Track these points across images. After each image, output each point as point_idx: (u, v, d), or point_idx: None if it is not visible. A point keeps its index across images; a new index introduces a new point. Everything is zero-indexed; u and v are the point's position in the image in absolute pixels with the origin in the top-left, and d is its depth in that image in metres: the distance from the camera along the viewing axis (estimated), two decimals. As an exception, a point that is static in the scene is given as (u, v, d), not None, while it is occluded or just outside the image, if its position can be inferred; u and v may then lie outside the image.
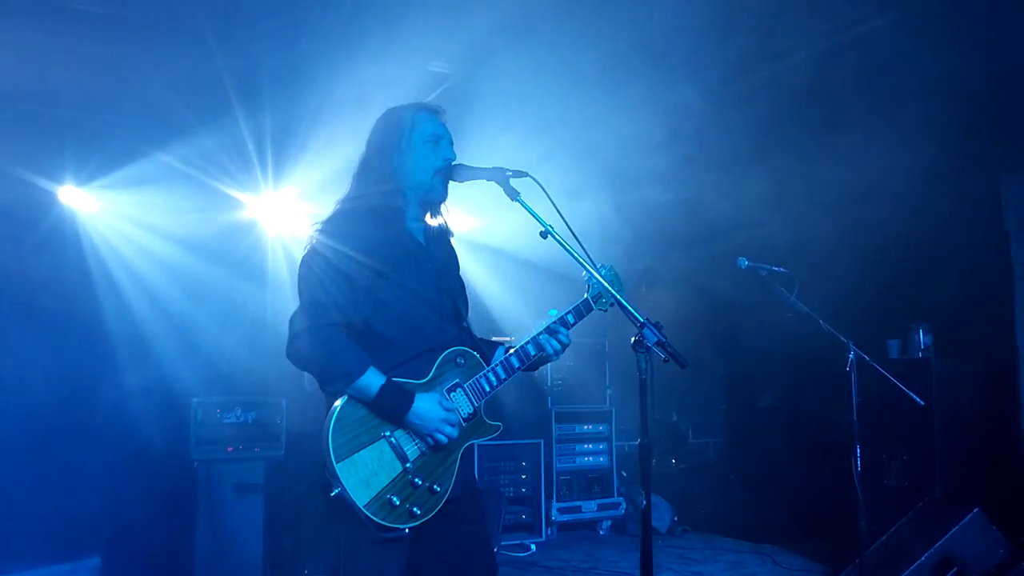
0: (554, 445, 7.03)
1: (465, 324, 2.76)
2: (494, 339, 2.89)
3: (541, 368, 4.40)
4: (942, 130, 5.16)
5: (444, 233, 2.80)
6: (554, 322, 2.74)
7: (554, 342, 2.70)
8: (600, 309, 2.83)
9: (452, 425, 2.50)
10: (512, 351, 2.69)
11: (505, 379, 2.66)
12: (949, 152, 5.19)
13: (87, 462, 5.31)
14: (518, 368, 2.68)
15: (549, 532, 6.90)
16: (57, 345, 5.52)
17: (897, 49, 4.68)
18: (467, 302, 2.82)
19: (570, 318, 2.77)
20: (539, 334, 2.71)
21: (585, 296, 2.83)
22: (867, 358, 4.25)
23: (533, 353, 2.70)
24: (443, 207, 2.75)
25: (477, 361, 2.68)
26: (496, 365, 2.66)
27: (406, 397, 2.44)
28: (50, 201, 5.76)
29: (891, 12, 4.43)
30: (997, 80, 4.77)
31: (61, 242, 5.81)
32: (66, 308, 5.66)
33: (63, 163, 5.66)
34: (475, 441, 2.62)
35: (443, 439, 2.48)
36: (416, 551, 2.50)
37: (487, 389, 2.63)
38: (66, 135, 5.56)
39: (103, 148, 5.67)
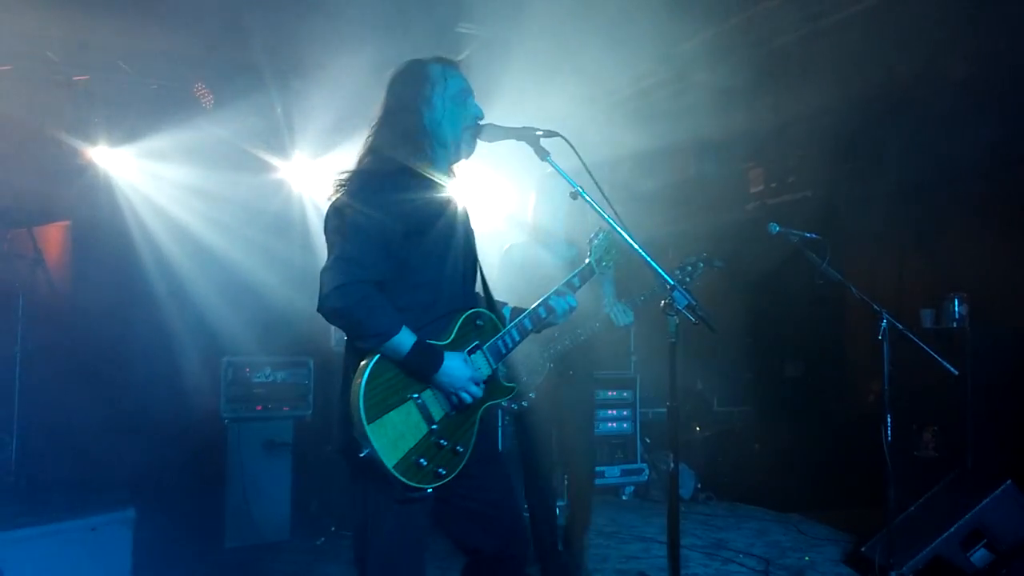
0: (582, 411, 7.03)
1: (482, 283, 2.77)
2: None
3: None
4: (979, 95, 5.04)
5: (458, 192, 2.78)
6: (561, 285, 2.83)
7: (562, 303, 2.79)
8: (600, 273, 2.98)
9: (477, 384, 2.51)
10: (525, 314, 2.73)
11: (519, 341, 2.70)
12: (986, 117, 5.07)
13: (122, 418, 5.40)
14: (531, 330, 2.75)
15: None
16: (92, 302, 5.60)
17: (937, 9, 4.55)
18: (477, 262, 2.80)
19: (575, 281, 2.88)
20: (548, 297, 2.79)
21: (588, 260, 2.96)
22: (900, 327, 4.18)
23: (544, 315, 2.77)
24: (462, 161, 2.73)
25: (494, 323, 2.69)
26: (512, 328, 2.68)
27: (436, 356, 2.44)
28: (84, 161, 5.81)
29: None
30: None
31: (95, 201, 5.87)
32: (102, 265, 5.75)
33: (97, 124, 5.70)
34: (491, 403, 2.63)
35: (468, 398, 2.48)
36: (441, 510, 2.54)
37: (503, 351, 2.65)
38: (99, 98, 5.60)
39: (136, 110, 5.70)
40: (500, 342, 2.64)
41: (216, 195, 5.97)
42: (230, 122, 5.70)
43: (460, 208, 2.71)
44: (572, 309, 2.81)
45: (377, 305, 2.39)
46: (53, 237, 6.25)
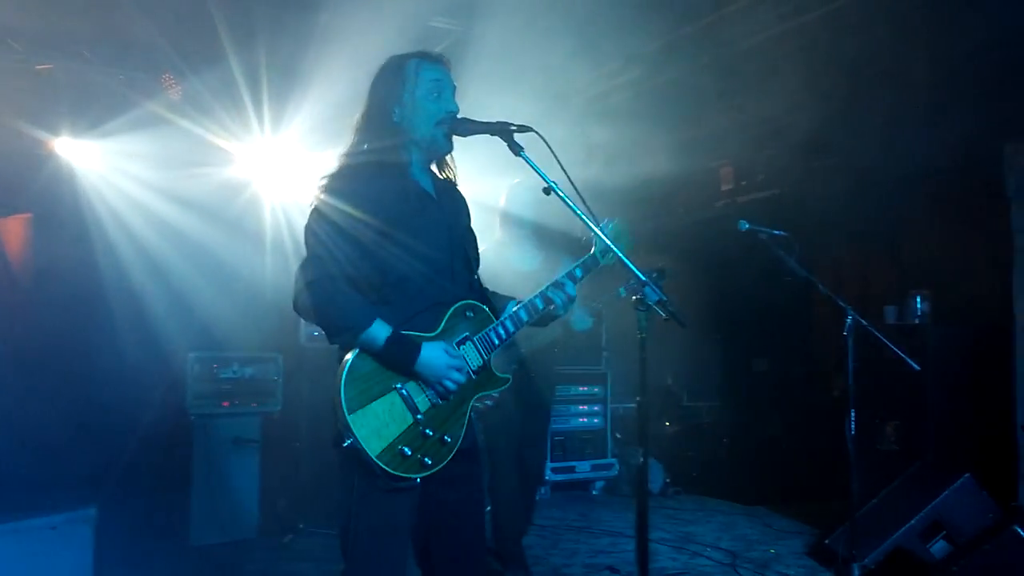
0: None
1: (476, 277, 2.74)
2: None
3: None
4: (944, 95, 5.13)
5: (453, 184, 2.78)
6: (561, 276, 2.74)
7: (561, 294, 2.70)
8: (606, 263, 2.83)
9: (459, 371, 2.50)
10: (521, 305, 2.69)
11: (514, 332, 2.66)
12: (951, 119, 5.17)
13: (84, 413, 5.32)
14: (527, 321, 2.69)
15: (543, 492, 6.96)
16: (54, 295, 5.50)
17: (899, 11, 4.63)
18: (478, 254, 2.81)
19: (578, 272, 2.77)
20: (547, 288, 2.71)
21: (592, 251, 2.83)
22: (864, 323, 4.26)
23: (541, 307, 2.69)
24: (450, 158, 2.72)
25: (487, 315, 2.66)
26: (505, 318, 2.65)
27: (413, 347, 2.44)
28: (46, 152, 5.70)
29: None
30: (999, 46, 4.73)
31: (58, 193, 5.76)
32: (64, 258, 5.64)
33: (59, 114, 5.59)
34: (485, 393, 2.62)
35: (452, 386, 2.48)
36: (427, 498, 2.52)
37: (496, 342, 2.62)
38: (62, 87, 5.49)
39: (101, 100, 5.60)
40: (492, 333, 2.62)
41: (183, 188, 5.89)
42: (198, 114, 5.63)
43: (453, 198, 2.73)
44: (572, 300, 2.73)
45: (346, 300, 2.41)
46: (13, 230, 6.12)
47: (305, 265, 2.45)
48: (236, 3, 4.73)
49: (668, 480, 7.22)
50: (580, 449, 7.20)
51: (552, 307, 2.71)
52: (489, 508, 4.96)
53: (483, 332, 2.61)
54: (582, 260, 2.79)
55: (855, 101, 5.48)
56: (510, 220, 4.66)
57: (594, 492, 7.34)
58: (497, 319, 2.66)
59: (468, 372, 2.54)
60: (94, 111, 5.62)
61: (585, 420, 7.27)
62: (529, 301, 2.69)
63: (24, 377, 5.39)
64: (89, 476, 4.99)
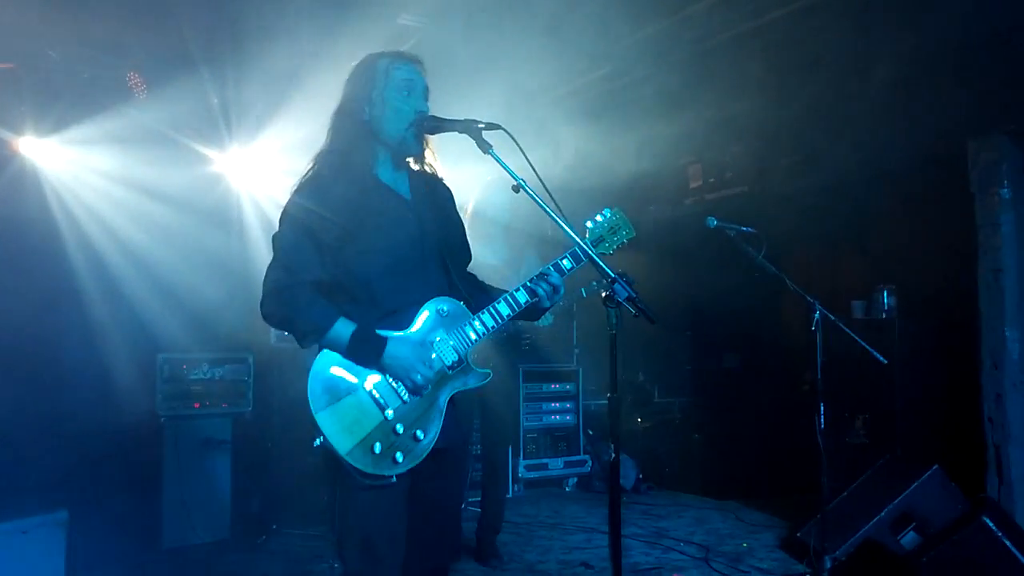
0: (521, 403, 7.08)
1: (456, 275, 2.71)
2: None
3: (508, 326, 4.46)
4: (909, 92, 5.20)
5: (433, 181, 2.76)
6: (549, 266, 2.69)
7: (545, 286, 2.64)
8: (602, 253, 2.76)
9: (427, 366, 2.48)
10: (503, 299, 2.64)
11: (494, 327, 2.61)
12: (915, 114, 5.24)
13: (54, 416, 5.24)
14: (508, 316, 2.64)
15: (516, 489, 6.98)
16: (20, 297, 5.41)
17: (864, 10, 4.69)
18: (465, 250, 2.79)
19: (565, 263, 2.70)
20: (530, 280, 2.66)
21: (582, 242, 2.76)
22: (832, 317, 4.31)
23: (524, 300, 2.65)
24: (429, 152, 2.72)
25: (462, 310, 2.63)
26: (483, 313, 2.61)
27: (378, 342, 2.44)
28: (10, 152, 5.60)
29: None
30: (963, 43, 4.80)
31: (23, 193, 5.66)
32: (29, 260, 5.54)
33: (23, 114, 5.49)
34: (463, 389, 2.60)
35: (420, 380, 2.46)
36: (411, 496, 2.52)
37: (473, 338, 2.59)
38: (26, 87, 5.40)
39: (65, 99, 5.52)
40: (469, 327, 2.59)
41: (150, 188, 5.81)
42: (164, 113, 5.55)
43: (431, 195, 2.72)
44: (557, 291, 2.67)
45: (307, 303, 2.44)
46: (-24, 232, 6.02)
47: (271, 268, 2.49)
48: (202, 5, 4.69)
49: (640, 476, 7.26)
50: (553, 446, 7.23)
51: (536, 299, 2.66)
52: (479, 500, 5.14)
53: (458, 328, 2.59)
54: (570, 251, 2.70)
55: (820, 98, 5.54)
56: (481, 217, 4.69)
57: (567, 489, 7.37)
58: (476, 314, 2.62)
59: (442, 368, 2.53)
60: (58, 110, 5.53)
61: (557, 417, 7.30)
62: (511, 295, 2.65)
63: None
64: (60, 479, 4.93)
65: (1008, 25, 4.53)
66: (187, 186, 5.98)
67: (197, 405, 5.54)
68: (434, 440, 2.50)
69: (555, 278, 2.67)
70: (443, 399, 2.56)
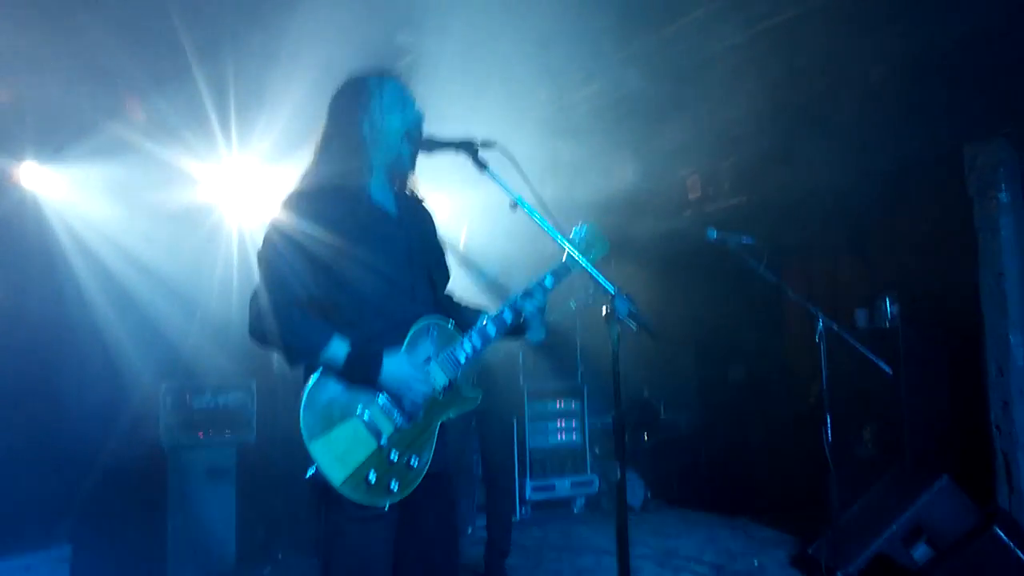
0: (527, 423, 7.03)
1: (440, 295, 2.71)
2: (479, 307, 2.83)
3: (512, 345, 4.45)
4: (906, 98, 5.20)
5: (417, 202, 2.76)
6: (532, 284, 2.67)
7: (531, 304, 2.63)
8: (577, 271, 2.71)
9: (426, 382, 2.46)
10: (489, 319, 2.62)
11: (482, 348, 2.59)
12: (912, 119, 5.24)
13: (55, 450, 5.21)
14: (495, 337, 2.61)
15: (523, 511, 6.91)
16: (22, 328, 5.40)
17: (859, 15, 4.69)
18: (446, 270, 2.78)
19: (548, 280, 2.69)
20: (515, 298, 2.64)
21: (563, 259, 2.75)
22: (836, 328, 4.28)
23: (510, 320, 2.62)
24: (411, 176, 2.71)
25: (451, 332, 2.61)
26: (472, 334, 2.58)
27: (375, 358, 2.41)
28: (10, 180, 5.60)
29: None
30: (959, 46, 4.81)
31: (23, 221, 5.65)
32: (31, 288, 5.53)
33: (23, 140, 5.50)
34: (454, 414, 2.57)
35: (418, 398, 2.44)
36: (402, 524, 2.47)
37: (462, 360, 2.56)
38: (26, 112, 5.41)
39: (64, 125, 5.53)
40: (459, 350, 2.56)
41: (151, 213, 5.81)
42: (164, 137, 5.56)
43: (417, 216, 2.70)
44: (542, 309, 2.66)
45: (301, 323, 2.40)
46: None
47: (261, 291, 2.42)
48: (200, 24, 4.70)
49: (649, 494, 7.20)
50: (559, 466, 7.16)
51: (522, 319, 2.64)
52: (484, 524, 5.05)
53: (448, 350, 2.56)
54: (553, 268, 2.70)
55: (818, 106, 5.54)
56: (468, 264, 4.73)
57: (575, 509, 7.29)
58: (464, 335, 2.60)
59: (432, 384, 2.49)
60: (59, 136, 5.54)
61: (563, 436, 7.23)
62: (497, 315, 2.62)
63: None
64: (63, 514, 4.90)
65: (1004, 28, 4.53)
66: (186, 210, 5.97)
67: (201, 434, 5.51)
68: (427, 466, 2.47)
69: (540, 297, 2.66)
70: (435, 423, 2.53)
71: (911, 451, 5.23)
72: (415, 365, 2.47)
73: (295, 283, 2.41)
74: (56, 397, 5.38)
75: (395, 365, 2.42)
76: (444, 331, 2.60)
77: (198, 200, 6.14)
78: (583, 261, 2.56)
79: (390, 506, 2.37)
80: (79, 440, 5.30)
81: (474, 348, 2.58)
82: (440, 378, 2.53)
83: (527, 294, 2.65)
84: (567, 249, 2.59)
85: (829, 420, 4.20)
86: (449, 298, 2.79)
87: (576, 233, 2.78)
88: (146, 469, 5.44)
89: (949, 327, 5.52)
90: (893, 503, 4.72)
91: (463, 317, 2.70)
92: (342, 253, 2.46)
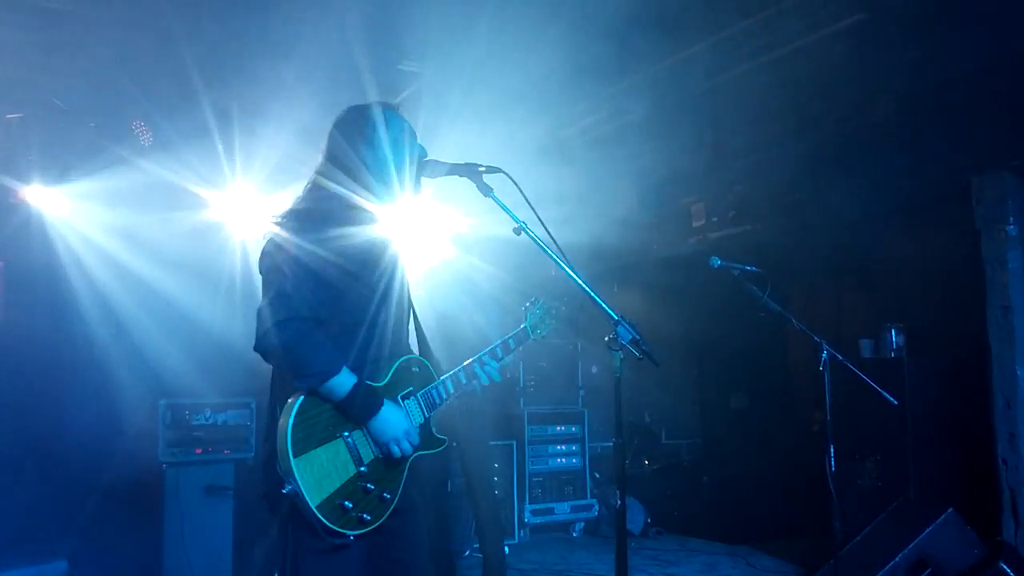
0: (527, 447, 7.00)
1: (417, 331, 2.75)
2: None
3: (513, 369, 4.45)
4: (913, 130, 5.21)
5: (395, 238, 2.76)
6: (497, 346, 2.81)
7: (482, 374, 2.74)
8: (535, 339, 2.96)
9: (410, 442, 2.48)
10: (461, 368, 2.72)
11: (453, 393, 2.68)
12: (920, 150, 5.24)
13: (52, 466, 5.20)
14: (464, 385, 2.72)
15: (522, 534, 6.87)
16: (25, 345, 5.41)
17: (866, 48, 4.70)
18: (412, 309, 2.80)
19: (511, 343, 2.87)
20: (482, 356, 2.76)
21: (523, 325, 2.94)
22: (840, 357, 4.25)
23: (464, 381, 2.73)
24: (405, 208, 2.71)
25: (430, 372, 2.68)
26: (447, 379, 2.67)
27: (376, 400, 2.41)
28: (17, 200, 5.64)
29: (859, 11, 4.44)
30: (967, 78, 4.81)
31: (28, 241, 5.69)
32: (34, 308, 5.55)
33: (30, 162, 5.54)
34: (422, 452, 2.58)
35: (398, 452, 2.45)
36: (372, 555, 2.45)
37: (437, 401, 2.63)
38: (34, 136, 5.45)
39: (72, 148, 5.57)
40: (435, 391, 2.63)
41: (154, 233, 5.83)
42: (169, 160, 5.58)
43: (398, 255, 2.69)
44: (492, 381, 2.78)
45: (317, 343, 2.37)
46: (-14, 278, 6.04)
47: (273, 303, 2.37)
48: (205, 50, 4.73)
49: (649, 520, 7.14)
50: (559, 490, 7.11)
51: (475, 382, 2.74)
52: (477, 546, 4.98)
53: (426, 389, 2.61)
54: (514, 332, 2.89)
55: (823, 135, 5.54)
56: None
57: (574, 534, 7.24)
58: (438, 376, 2.67)
59: (416, 438, 2.52)
60: (65, 158, 5.57)
61: (563, 460, 7.20)
62: (469, 365, 2.73)
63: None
64: (59, 529, 4.88)
65: (1012, 61, 4.54)
66: (188, 231, 5.99)
67: (199, 451, 5.48)
68: (395, 501, 2.47)
69: (494, 370, 2.77)
70: (407, 461, 2.54)
71: (916, 483, 5.19)
72: (408, 418, 2.50)
73: (302, 300, 2.37)
74: (57, 413, 5.39)
75: (390, 414, 2.44)
76: (424, 370, 2.66)
77: (203, 218, 6.16)
78: (587, 288, 2.53)
79: (356, 539, 2.34)
80: (78, 455, 5.29)
81: (448, 392, 2.66)
82: (417, 415, 2.57)
83: (480, 362, 2.75)
84: (568, 274, 2.56)
85: (832, 450, 4.16)
86: (424, 340, 2.81)
87: (529, 307, 2.99)
88: (144, 485, 5.42)
89: (955, 359, 5.49)
90: (897, 535, 4.66)
91: (433, 359, 2.76)
92: (349, 275, 2.45)
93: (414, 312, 2.76)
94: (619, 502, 2.62)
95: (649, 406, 7.90)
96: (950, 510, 4.52)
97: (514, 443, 6.94)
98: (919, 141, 5.24)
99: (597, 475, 7.36)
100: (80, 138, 5.55)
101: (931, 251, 5.75)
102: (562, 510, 7.08)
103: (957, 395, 5.40)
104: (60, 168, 5.63)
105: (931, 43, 4.60)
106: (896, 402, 4.37)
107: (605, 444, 7.42)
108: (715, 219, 6.84)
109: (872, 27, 4.51)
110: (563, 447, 7.22)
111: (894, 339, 5.55)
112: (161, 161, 5.55)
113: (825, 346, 4.20)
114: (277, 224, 2.50)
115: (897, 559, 4.45)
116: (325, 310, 2.43)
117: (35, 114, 5.32)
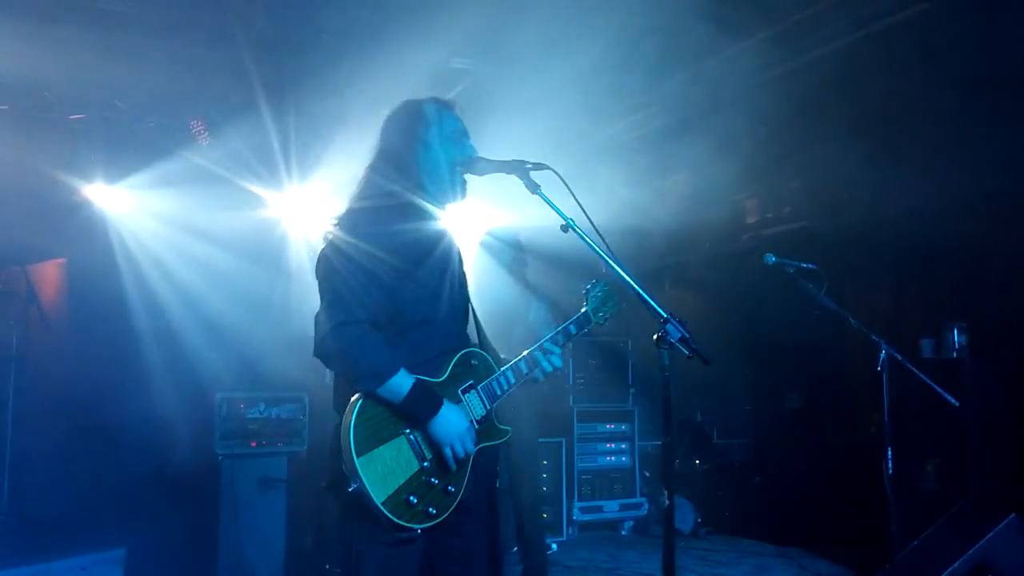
0: (575, 444, 6.99)
1: (475, 324, 2.74)
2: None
3: (562, 367, 4.43)
4: (979, 124, 5.05)
5: (451, 231, 2.77)
6: (558, 333, 2.76)
7: (545, 362, 2.71)
8: (597, 323, 2.89)
9: (469, 443, 2.47)
10: (520, 357, 2.69)
11: (515, 383, 2.65)
12: (986, 146, 5.08)
13: (112, 456, 5.34)
14: (526, 374, 2.69)
15: (570, 532, 6.86)
16: (86, 339, 5.57)
17: (924, 40, 4.58)
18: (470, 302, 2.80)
19: (572, 329, 2.81)
20: (544, 344, 2.72)
21: (584, 309, 2.86)
22: (899, 357, 4.14)
23: (525, 370, 2.70)
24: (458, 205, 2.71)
25: (490, 363, 2.67)
26: (507, 369, 2.65)
27: (435, 401, 2.41)
28: (80, 199, 5.80)
29: (922, 1, 4.32)
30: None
31: (91, 239, 5.85)
32: (95, 303, 5.71)
33: (93, 162, 5.69)
34: (485, 444, 2.58)
35: (459, 454, 2.45)
36: (430, 549, 2.46)
37: (499, 393, 2.62)
38: (96, 136, 5.61)
39: (132, 147, 5.71)
40: (496, 383, 2.61)
41: (212, 232, 5.97)
42: (226, 159, 5.69)
43: (454, 249, 2.70)
44: (557, 368, 2.74)
45: (374, 345, 2.38)
46: (49, 275, 6.24)
47: (329, 308, 2.40)
48: (264, 52, 4.81)
49: (699, 520, 7.07)
50: (608, 488, 7.09)
51: (537, 370, 2.71)
52: (515, 549, 4.96)
53: (487, 381, 2.60)
54: (575, 318, 2.82)
55: (885, 130, 5.40)
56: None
57: (623, 532, 7.20)
58: (498, 368, 2.66)
59: (475, 439, 2.51)
60: (126, 158, 5.72)
61: (612, 459, 7.17)
62: (529, 353, 2.70)
63: (56, 419, 5.45)
64: (118, 517, 5.01)
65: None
66: (247, 230, 6.11)
67: (254, 444, 5.58)
68: (462, 493, 2.47)
69: (557, 359, 2.74)
70: (471, 454, 2.53)
71: (976, 487, 5.04)
72: (468, 418, 2.50)
73: (358, 303, 2.39)
74: (118, 405, 5.53)
75: (451, 417, 2.43)
76: (483, 362, 2.65)
77: (259, 217, 6.28)
78: (635, 285, 2.50)
79: (423, 531, 2.36)
80: (138, 447, 5.43)
81: (509, 383, 2.64)
82: (479, 408, 2.56)
83: (543, 350, 2.72)
84: (617, 272, 2.53)
85: (890, 452, 4.06)
86: (482, 331, 2.80)
87: (590, 290, 2.91)
88: (200, 477, 5.53)
89: (1019, 360, 5.31)
90: (956, 541, 4.54)
91: (493, 350, 2.75)
92: (403, 273, 2.46)
93: (471, 306, 2.76)
94: (667, 502, 2.59)
95: (701, 405, 7.81)
96: (1012, 516, 4.40)
97: (563, 440, 6.93)
98: (986, 134, 5.08)
99: (647, 474, 7.31)
100: (140, 138, 5.69)
101: (995, 248, 5.57)
102: (611, 508, 7.05)
103: (1021, 397, 5.22)
104: (121, 168, 5.78)
105: (994, 33, 4.45)
106: (957, 403, 4.25)
107: (655, 443, 7.37)
108: (769, 215, 6.74)
109: (934, 18, 4.39)
110: (612, 445, 7.19)
111: (956, 339, 5.40)
112: (219, 160, 5.66)
113: (884, 346, 4.10)
114: (334, 225, 2.52)
115: (956, 565, 4.34)
116: (381, 310, 2.44)
117: (97, 115, 5.46)
